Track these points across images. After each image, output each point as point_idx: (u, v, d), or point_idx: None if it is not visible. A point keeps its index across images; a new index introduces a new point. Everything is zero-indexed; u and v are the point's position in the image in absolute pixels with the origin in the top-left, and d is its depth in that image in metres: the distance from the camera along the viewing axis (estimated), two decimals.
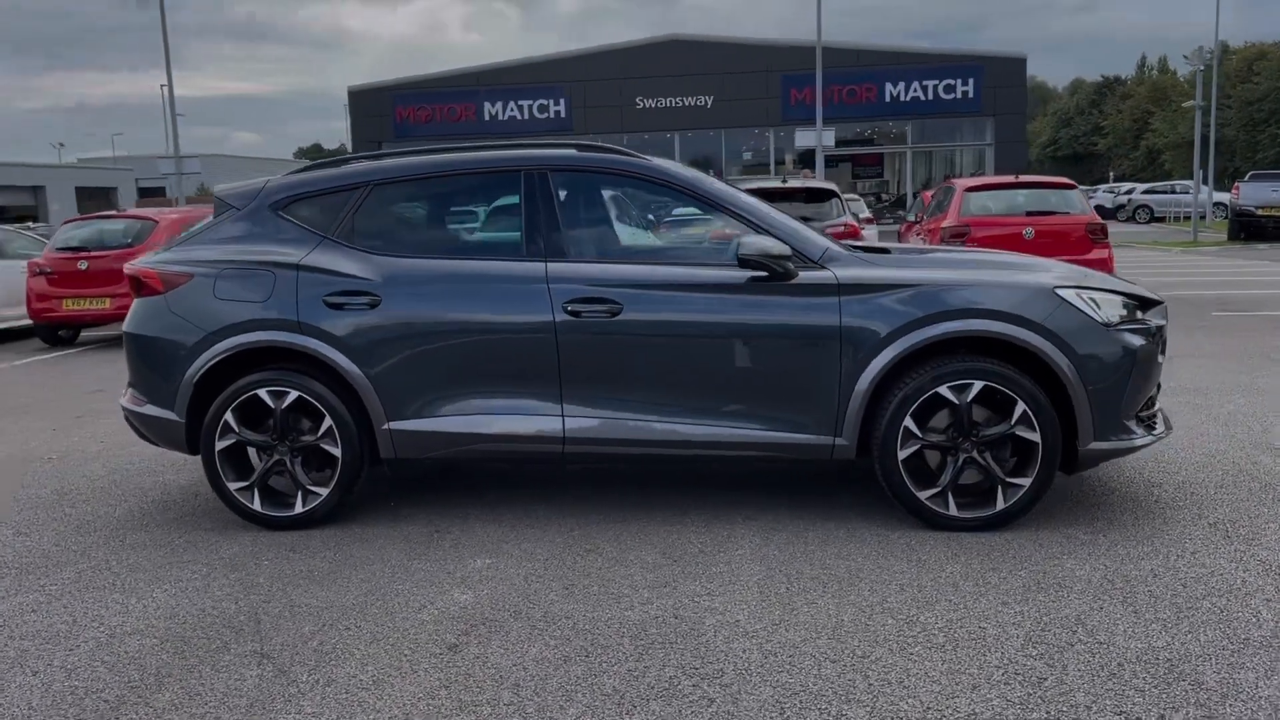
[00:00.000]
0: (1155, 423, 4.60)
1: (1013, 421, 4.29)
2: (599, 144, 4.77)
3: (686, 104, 39.36)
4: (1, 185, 46.86)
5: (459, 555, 4.27)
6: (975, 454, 4.34)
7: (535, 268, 4.52)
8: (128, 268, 4.98)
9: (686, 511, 4.74)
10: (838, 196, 11.54)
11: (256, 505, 4.68)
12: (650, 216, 5.13)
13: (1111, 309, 4.37)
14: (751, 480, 5.19)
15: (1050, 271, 4.55)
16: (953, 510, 4.36)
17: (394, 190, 4.79)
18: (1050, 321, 4.27)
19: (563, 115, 39.87)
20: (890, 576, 3.89)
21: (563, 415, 4.52)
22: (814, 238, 4.54)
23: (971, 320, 4.30)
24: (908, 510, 4.44)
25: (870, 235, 20.53)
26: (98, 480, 5.72)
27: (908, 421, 4.32)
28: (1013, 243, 10.78)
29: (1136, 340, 4.35)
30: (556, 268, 4.51)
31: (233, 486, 4.69)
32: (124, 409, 4.96)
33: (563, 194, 4.66)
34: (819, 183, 11.95)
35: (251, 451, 4.74)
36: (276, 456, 4.67)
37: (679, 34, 39.10)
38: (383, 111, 39.55)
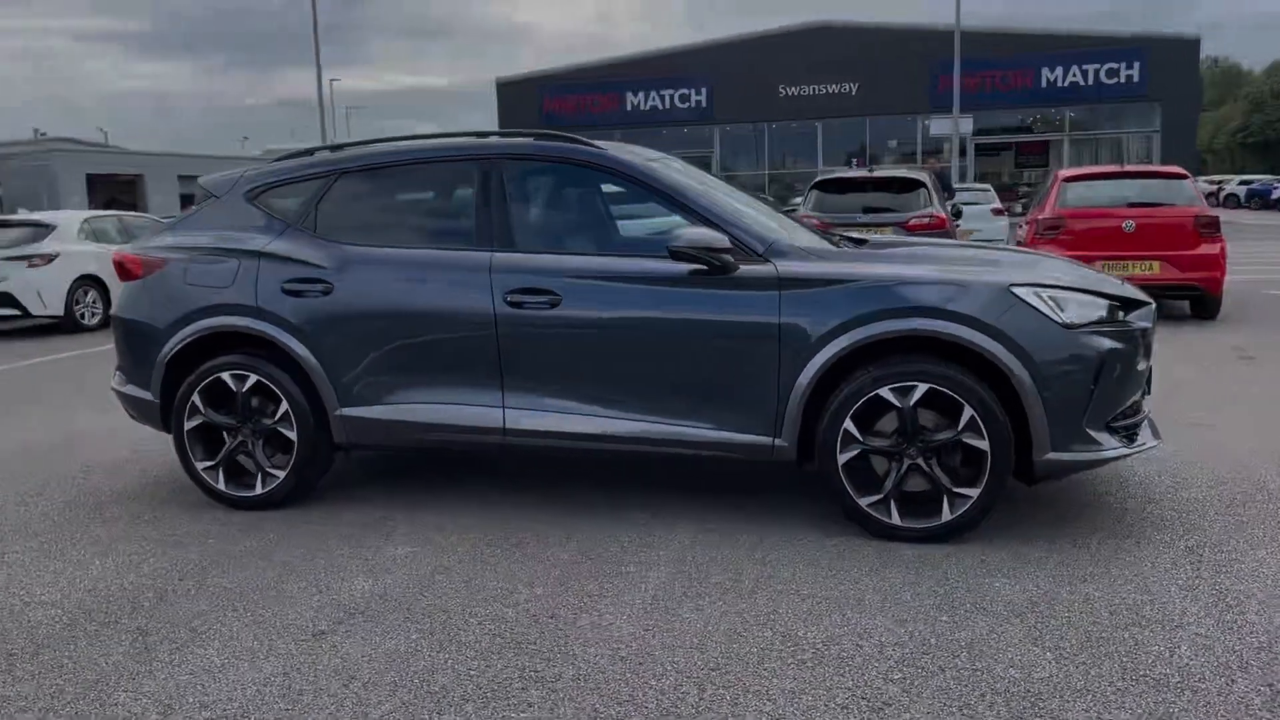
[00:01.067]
0: (1137, 433, 4.23)
1: (959, 428, 4.02)
2: (557, 133, 4.70)
3: (831, 91, 38.65)
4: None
5: (386, 543, 4.29)
6: (921, 461, 4.08)
7: (480, 257, 4.49)
8: (115, 253, 5.20)
9: (630, 508, 4.63)
10: (925, 187, 11.08)
11: (221, 485, 4.83)
12: (610, 208, 5.00)
13: (1080, 310, 4.04)
14: (720, 478, 5.03)
15: (1016, 269, 4.22)
16: (895, 519, 4.12)
17: (358, 179, 4.84)
18: (1002, 322, 3.97)
19: (704, 104, 39.77)
20: (797, 587, 3.71)
21: (503, 407, 4.49)
22: (761, 230, 4.34)
23: (914, 319, 4.05)
24: (849, 517, 4.22)
25: (1000, 227, 19.75)
26: (120, 456, 5.99)
27: (848, 424, 4.11)
28: (1111, 236, 10.14)
29: (1105, 344, 4.00)
30: (501, 258, 4.47)
31: (200, 466, 4.85)
32: (112, 389, 5.19)
33: (515, 184, 4.61)
34: (907, 172, 11.50)
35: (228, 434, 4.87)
36: (240, 438, 4.79)
37: (829, 20, 38.30)
38: (530, 103, 40.30)
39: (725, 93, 39.03)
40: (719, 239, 4.15)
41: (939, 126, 28.13)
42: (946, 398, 4.01)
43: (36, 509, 4.99)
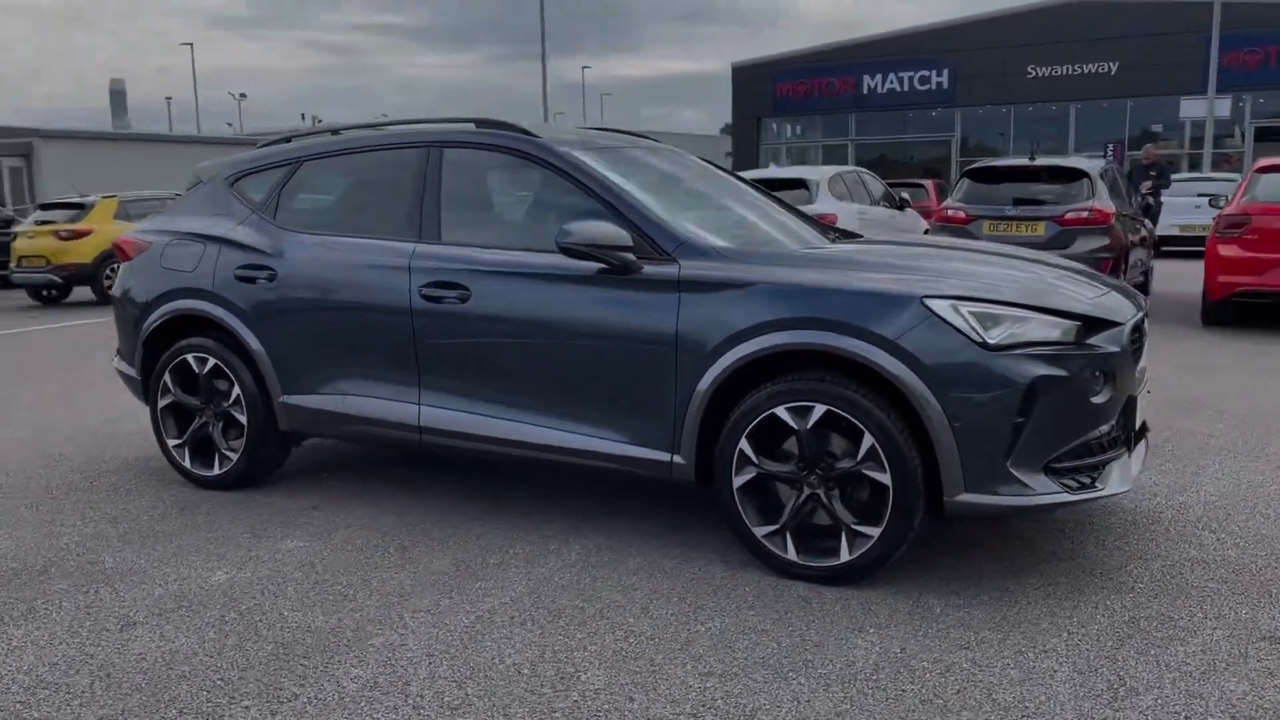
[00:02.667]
0: (1096, 477, 3.56)
1: (859, 457, 3.53)
2: (499, 120, 4.49)
3: (1086, 71, 35.88)
4: None
5: (286, 535, 4.26)
6: (821, 491, 3.62)
7: (404, 248, 4.37)
8: (116, 238, 5.45)
9: (550, 516, 4.39)
10: (1089, 178, 9.99)
11: (186, 462, 4.97)
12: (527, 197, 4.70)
13: (1016, 328, 3.43)
14: (661, 491, 4.66)
15: (951, 279, 3.64)
16: (791, 554, 3.67)
17: (317, 167, 4.84)
18: (907, 338, 3.44)
19: (945, 87, 37.94)
20: (622, 621, 3.37)
21: (419, 404, 4.36)
22: (676, 228, 3.96)
23: (808, 331, 3.59)
24: (745, 547, 3.81)
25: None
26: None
27: (743, 444, 3.70)
28: None
29: (1039, 370, 3.39)
30: (422, 249, 4.34)
31: (170, 443, 5.01)
32: (113, 365, 5.46)
33: (448, 172, 4.45)
34: (1069, 162, 10.41)
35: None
36: (202, 419, 4.91)
37: None
38: (763, 88, 39.82)
39: (969, 74, 37.01)
40: (616, 235, 3.82)
41: (1190, 109, 25.36)
42: (847, 422, 3.53)
43: (30, 476, 5.31)
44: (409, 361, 4.34)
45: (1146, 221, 11.96)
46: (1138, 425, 3.87)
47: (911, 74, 38.20)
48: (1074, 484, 3.51)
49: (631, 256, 3.85)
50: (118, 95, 44.71)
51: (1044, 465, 3.46)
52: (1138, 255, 11.20)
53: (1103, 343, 3.55)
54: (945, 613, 3.40)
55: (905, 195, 13.32)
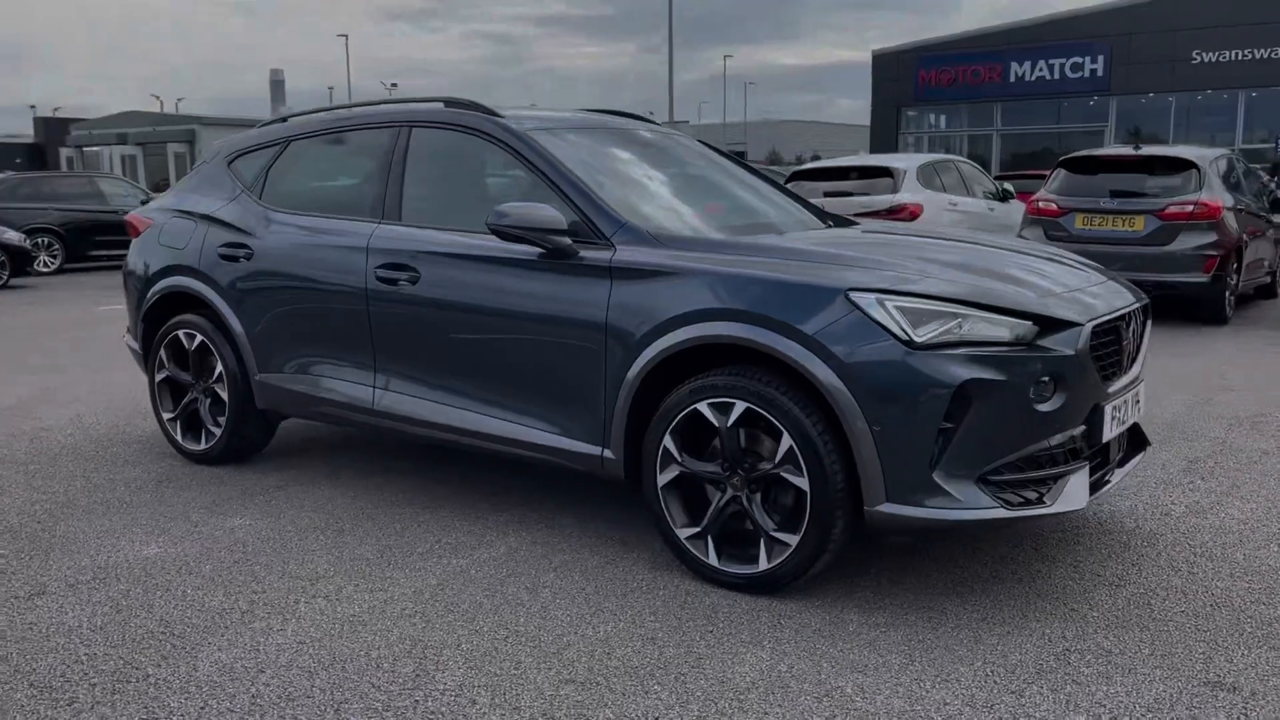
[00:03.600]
0: (1038, 492, 3.23)
1: (777, 460, 3.29)
2: (465, 99, 4.39)
3: (1259, 56, 33.52)
4: None
5: (238, 512, 4.28)
6: (744, 494, 3.40)
7: (365, 229, 4.33)
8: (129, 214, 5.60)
9: (497, 506, 4.28)
10: (1197, 169, 9.25)
11: (178, 436, 5.07)
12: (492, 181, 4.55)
13: (947, 326, 3.13)
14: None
15: (890, 272, 3.34)
16: (712, 559, 3.47)
17: (303, 146, 4.84)
18: (826, 333, 3.19)
19: (1099, 74, 36.05)
20: (512, 621, 3.22)
21: (374, 387, 4.32)
22: (617, 211, 3.77)
23: (727, 322, 3.37)
24: (669, 548, 3.62)
25: None
26: None
27: (667, 440, 3.50)
28: None
29: (970, 372, 3.08)
30: (381, 230, 4.28)
31: (165, 416, 5.12)
32: (124, 340, 5.61)
33: (415, 152, 4.37)
34: (1177, 152, 9.65)
35: None
36: (192, 395, 5.00)
37: None
38: (905, 75, 38.66)
39: (1125, 60, 35.07)
40: (548, 218, 3.67)
41: None
42: (767, 422, 3.29)
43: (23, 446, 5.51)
44: (366, 343, 4.30)
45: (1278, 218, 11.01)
46: (1115, 435, 3.50)
47: (1063, 60, 36.42)
48: (1015, 499, 3.19)
49: (566, 240, 3.70)
50: (277, 85, 46.61)
51: (978, 477, 3.15)
52: (1260, 253, 10.34)
53: (1055, 345, 3.20)
54: (859, 631, 3.14)
55: (1009, 187, 12.64)
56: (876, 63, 39.83)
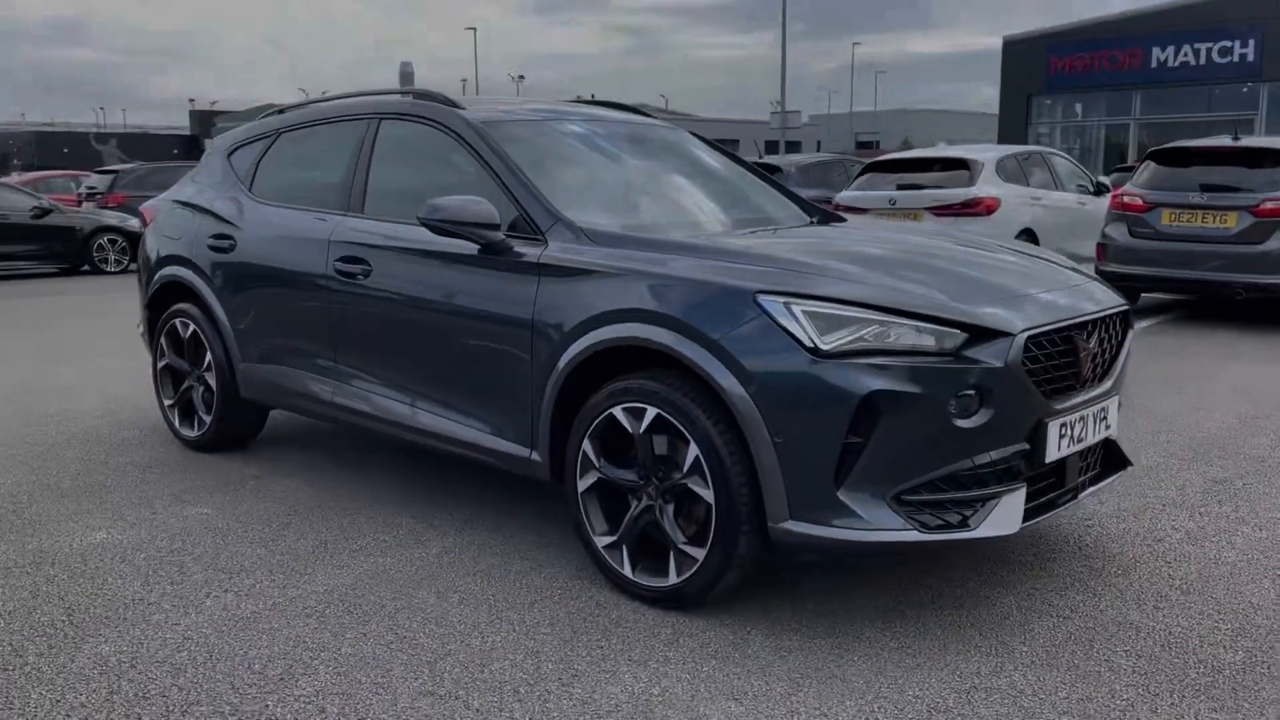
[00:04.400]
0: (961, 515, 2.99)
1: (684, 470, 3.14)
2: (429, 90, 4.32)
3: None
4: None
5: (201, 500, 4.32)
6: (658, 504, 3.25)
7: (330, 221, 4.33)
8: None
9: (443, 508, 4.22)
10: None
11: (175, 422, 5.18)
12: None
13: (861, 333, 2.92)
14: None
15: (812, 275, 3.13)
16: (627, 569, 3.33)
17: (290, 139, 4.87)
18: (731, 338, 3.01)
19: (1250, 59, 33.98)
20: (404, 626, 3.15)
21: (333, 380, 4.31)
22: (553, 206, 3.65)
23: (635, 324, 3.23)
24: (590, 556, 3.50)
25: None
26: None
27: (586, 445, 3.38)
28: None
29: (877, 383, 2.86)
30: (344, 222, 4.27)
31: (166, 403, 5.24)
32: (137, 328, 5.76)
33: (382, 144, 4.34)
34: (1277, 143, 8.93)
35: None
36: (188, 382, 5.10)
37: None
38: (1036, 63, 37.16)
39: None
40: (480, 213, 3.57)
41: None
42: (677, 430, 3.14)
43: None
44: (326, 336, 4.29)
45: None
46: (1068, 454, 3.22)
47: (1210, 45, 34.42)
48: (933, 521, 2.95)
49: (498, 235, 3.60)
50: (406, 78, 47.80)
51: (890, 496, 2.93)
52: None
53: (982, 355, 2.95)
54: (758, 654, 2.96)
55: (1106, 181, 11.96)
56: (1007, 50, 38.35)
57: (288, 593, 3.39)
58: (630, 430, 3.23)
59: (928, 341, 2.94)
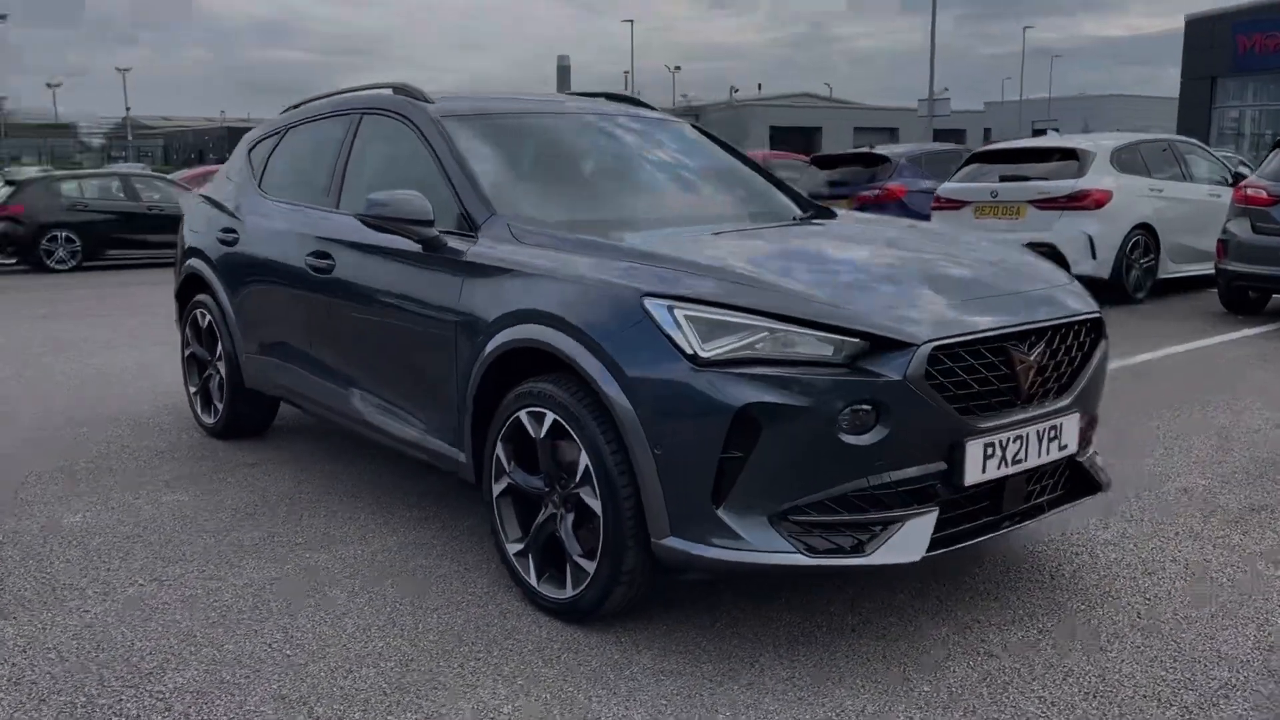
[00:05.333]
0: (857, 539, 2.75)
1: (577, 478, 3.01)
2: (407, 84, 4.30)
3: None
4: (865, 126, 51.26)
5: (185, 487, 4.43)
6: (561, 512, 3.14)
7: (309, 215, 4.37)
8: None
9: (407, 504, 4.20)
10: None
11: (198, 409, 5.36)
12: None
13: (748, 340, 2.73)
14: None
15: (695, 277, 2.92)
16: (532, 578, 3.23)
17: (295, 134, 4.94)
18: (616, 342, 2.87)
19: None
20: (292, 627, 3.12)
21: (307, 373, 4.37)
22: (490, 203, 3.56)
23: (533, 325, 3.12)
24: (504, 563, 3.41)
25: None
26: None
27: (499, 449, 3.30)
28: None
29: (755, 394, 2.67)
30: (319, 216, 4.31)
31: (191, 390, 5.43)
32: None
33: (362, 139, 4.35)
34: None
35: None
36: (207, 371, 5.26)
37: None
38: (1221, 42, 34.66)
39: None
40: (412, 209, 3.52)
41: None
42: (572, 437, 3.02)
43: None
44: (302, 329, 4.34)
45: None
46: (997, 478, 2.93)
47: None
48: (823, 545, 2.73)
49: (431, 231, 3.54)
50: (563, 71, 48.58)
51: (774, 516, 2.72)
52: None
53: (880, 368, 2.71)
54: (636, 675, 2.82)
55: (1246, 170, 10.99)
56: (1190, 29, 35.92)
57: (209, 585, 3.42)
58: (534, 435, 3.12)
59: (824, 351, 2.72)
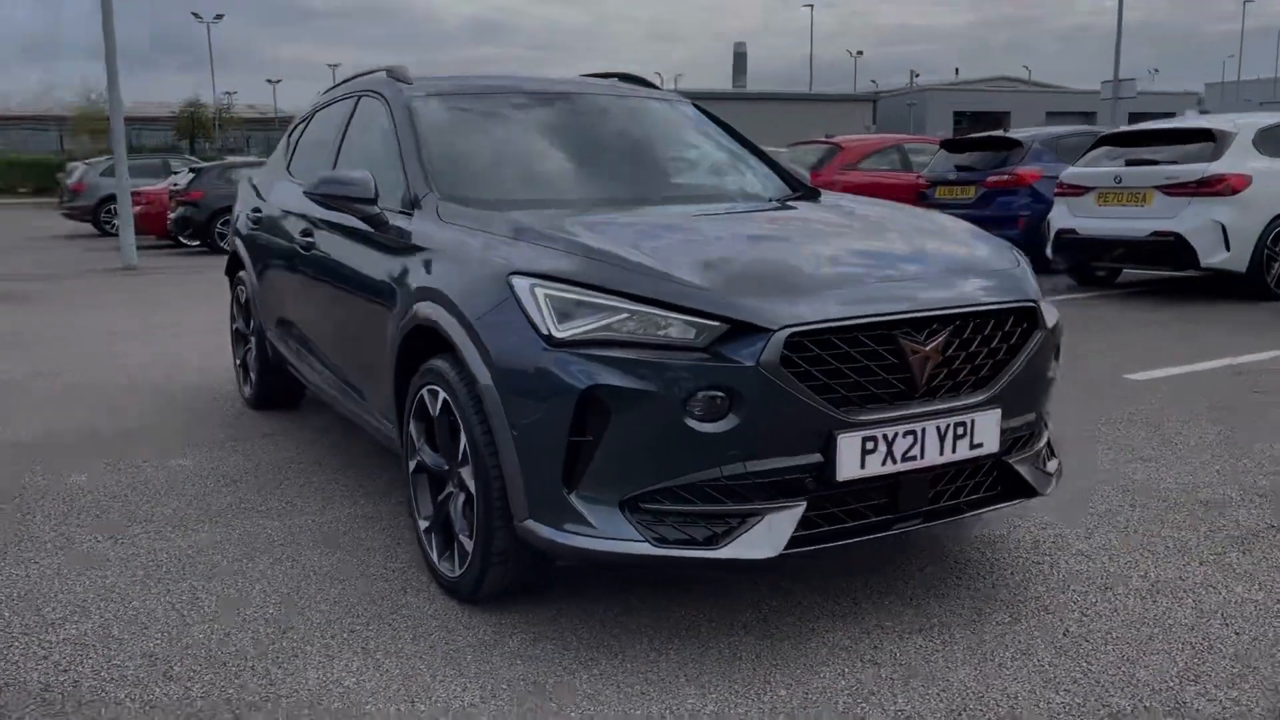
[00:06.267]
0: (711, 531, 2.64)
1: (460, 457, 3.01)
2: (394, 66, 4.36)
3: None
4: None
5: (192, 454, 4.67)
6: (455, 490, 3.15)
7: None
8: None
9: (373, 478, 4.28)
10: None
11: (241, 380, 5.64)
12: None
13: (607, 321, 2.66)
14: None
15: (568, 255, 2.84)
16: (435, 555, 3.25)
17: (318, 116, 5.10)
18: (484, 320, 2.85)
19: None
20: (190, 592, 3.24)
21: (300, 347, 4.52)
22: (429, 181, 3.57)
23: (424, 302, 3.13)
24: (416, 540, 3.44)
25: None
26: None
27: (411, 426, 3.33)
28: None
29: (602, 376, 2.59)
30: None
31: (235, 362, 5.72)
32: None
33: (357, 121, 4.45)
34: None
35: None
36: (246, 345, 5.53)
37: None
38: None
39: None
40: (355, 186, 3.58)
41: None
42: (455, 415, 3.02)
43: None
44: (296, 305, 4.49)
45: None
46: (884, 473, 2.75)
47: None
48: (674, 535, 2.63)
49: (373, 209, 3.59)
50: (739, 58, 48.20)
51: (624, 503, 2.64)
52: None
53: (734, 353, 2.58)
54: (494, 658, 2.78)
55: None
56: None
57: (154, 545, 3.59)
58: (432, 414, 3.12)
59: (686, 335, 2.61)
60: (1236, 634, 2.86)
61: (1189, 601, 3.07)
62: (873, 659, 2.75)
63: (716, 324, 2.59)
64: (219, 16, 57.80)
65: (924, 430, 2.74)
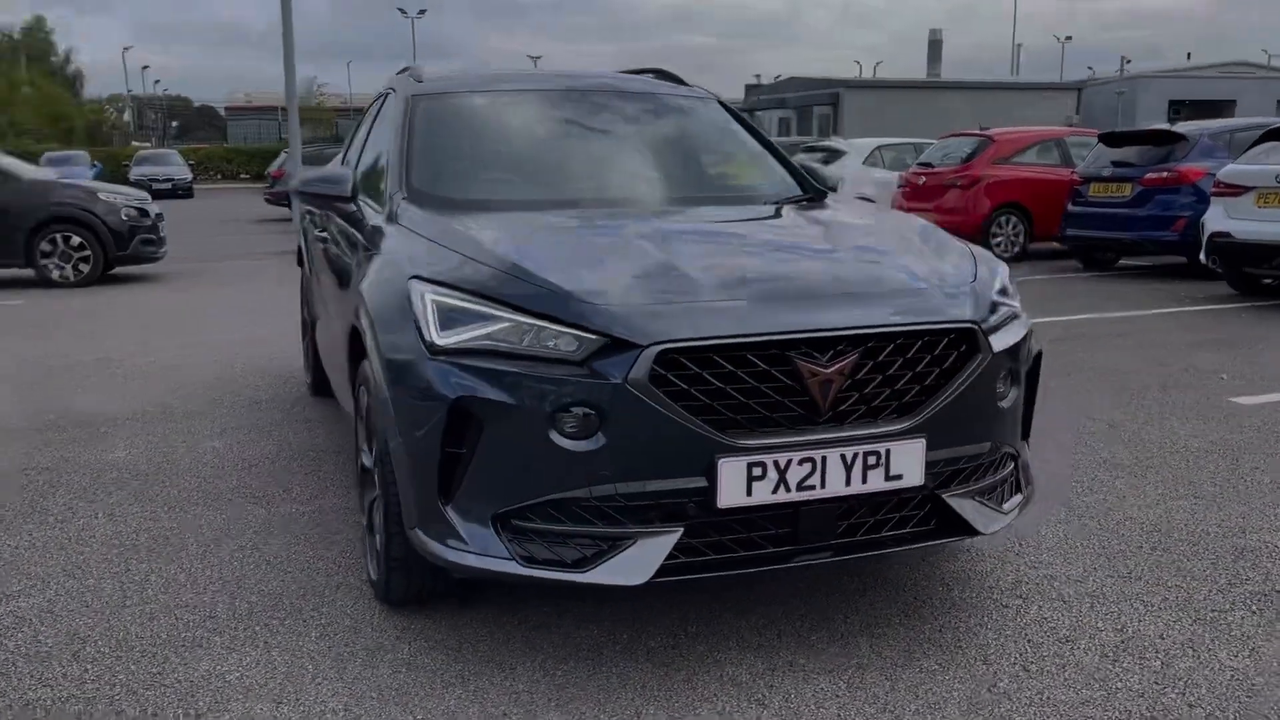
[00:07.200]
0: (580, 553, 2.54)
1: (373, 460, 3.03)
2: (414, 65, 4.40)
3: None
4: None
5: (221, 436, 4.87)
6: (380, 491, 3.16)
7: None
8: None
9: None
10: None
11: (305, 368, 5.86)
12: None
13: (484, 329, 2.60)
14: None
15: (474, 263, 2.77)
16: (367, 556, 3.28)
17: (370, 111, 5.23)
18: (383, 322, 2.85)
19: None
20: (131, 582, 3.35)
21: (319, 329, 4.67)
22: (405, 178, 3.60)
23: (360, 305, 3.16)
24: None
25: None
26: None
27: (358, 426, 3.37)
28: None
29: (471, 388, 2.55)
30: None
31: (304, 349, 5.95)
32: None
33: (382, 117, 4.52)
34: None
35: None
36: (307, 335, 5.74)
37: None
38: None
39: None
40: (330, 184, 3.67)
41: None
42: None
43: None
44: (317, 297, 4.62)
45: None
46: (771, 501, 2.57)
47: None
48: (542, 554, 2.55)
49: (350, 206, 3.68)
50: (934, 45, 46.56)
51: (495, 519, 2.58)
52: None
53: (604, 369, 2.47)
54: (379, 664, 2.76)
55: None
56: None
57: (142, 524, 3.75)
58: (363, 416, 3.14)
59: (569, 348, 2.52)
60: (1189, 706, 2.53)
61: (1154, 664, 2.74)
62: (762, 699, 2.57)
63: (594, 338, 2.48)
64: (422, 12, 60.27)
65: (824, 458, 2.54)
